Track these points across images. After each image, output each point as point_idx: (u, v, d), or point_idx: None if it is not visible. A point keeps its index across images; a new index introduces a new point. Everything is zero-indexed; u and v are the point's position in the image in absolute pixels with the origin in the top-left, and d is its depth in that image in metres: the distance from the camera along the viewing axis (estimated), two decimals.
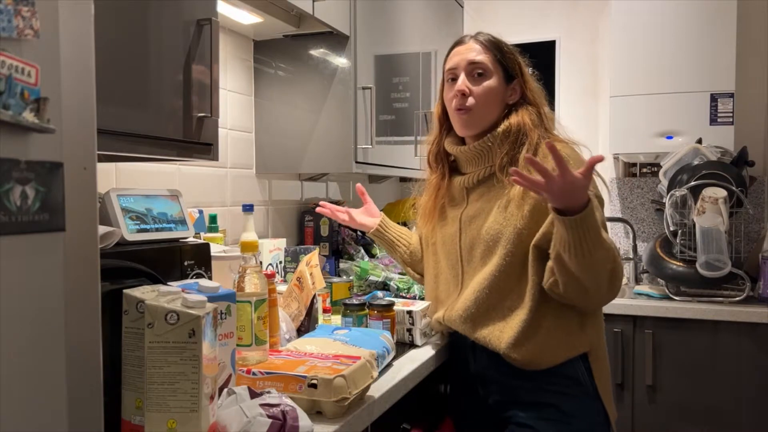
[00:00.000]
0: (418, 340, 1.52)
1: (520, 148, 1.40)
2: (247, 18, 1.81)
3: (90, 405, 0.66)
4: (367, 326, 1.48)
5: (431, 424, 1.50)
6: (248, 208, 1.25)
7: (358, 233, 2.38)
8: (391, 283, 1.99)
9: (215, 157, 1.28)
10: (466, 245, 1.46)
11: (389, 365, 1.35)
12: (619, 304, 2.30)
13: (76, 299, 0.64)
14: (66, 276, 0.62)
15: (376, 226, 1.70)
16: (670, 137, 2.54)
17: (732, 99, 2.46)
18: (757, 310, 2.16)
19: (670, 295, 2.33)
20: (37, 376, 0.59)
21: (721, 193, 2.22)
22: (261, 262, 1.88)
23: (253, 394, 0.94)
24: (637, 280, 2.72)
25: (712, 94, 2.48)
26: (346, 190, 2.72)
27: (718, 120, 2.48)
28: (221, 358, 0.96)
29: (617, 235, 2.88)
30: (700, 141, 2.45)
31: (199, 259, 1.22)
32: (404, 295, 1.95)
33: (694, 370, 2.24)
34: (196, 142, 1.22)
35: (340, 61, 1.98)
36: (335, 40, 1.97)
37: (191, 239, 1.24)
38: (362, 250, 2.27)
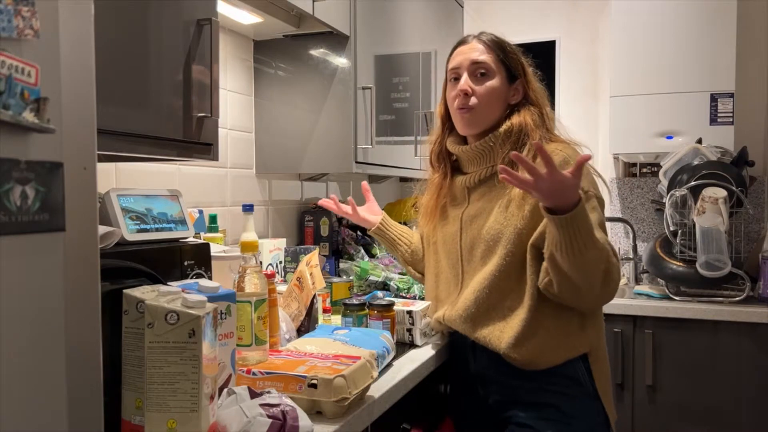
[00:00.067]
0: (418, 340, 1.52)
1: (522, 148, 1.40)
2: (247, 18, 1.81)
3: (90, 405, 0.66)
4: (367, 326, 1.48)
5: (431, 424, 1.50)
6: (248, 208, 1.25)
7: (358, 233, 2.38)
8: (391, 283, 1.99)
9: (215, 157, 1.28)
10: (467, 245, 1.46)
11: (389, 365, 1.35)
12: (619, 304, 2.30)
13: (76, 299, 0.64)
14: (66, 276, 0.62)
15: (378, 223, 1.71)
16: (670, 137, 2.54)
17: (732, 99, 2.46)
18: (757, 310, 2.16)
19: (670, 295, 2.33)
20: (37, 376, 0.59)
21: (721, 193, 2.22)
22: (261, 262, 1.88)
23: (253, 394, 0.94)
24: (637, 280, 2.72)
25: (712, 94, 2.48)
26: (346, 190, 2.72)
27: (718, 120, 2.48)
28: (221, 358, 0.96)
29: (617, 235, 2.88)
30: (700, 141, 2.45)
31: (199, 259, 1.22)
32: (404, 295, 1.95)
33: (694, 370, 2.24)
34: (196, 142, 1.22)
35: (340, 61, 1.98)
36: (335, 40, 1.97)
37: (191, 239, 1.24)
38: (362, 250, 2.27)
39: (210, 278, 1.24)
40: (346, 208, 1.70)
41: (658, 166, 2.58)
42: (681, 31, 2.51)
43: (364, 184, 1.75)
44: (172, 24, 1.15)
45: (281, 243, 2.03)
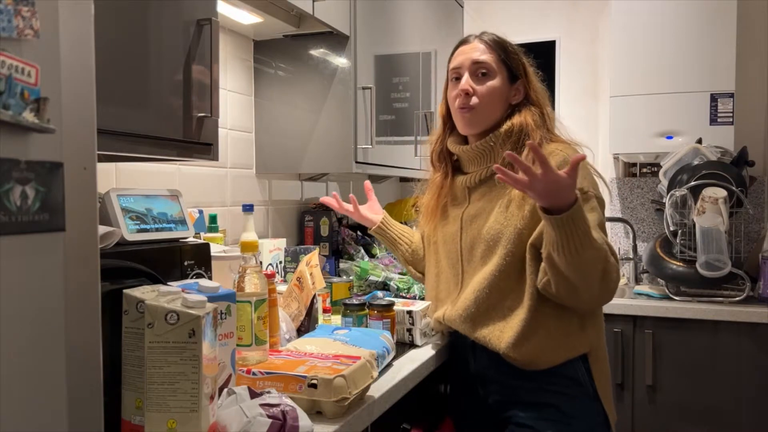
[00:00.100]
0: (418, 340, 1.52)
1: (523, 148, 1.40)
2: (247, 18, 1.81)
3: (90, 405, 0.66)
4: (367, 326, 1.48)
5: (431, 424, 1.50)
6: (248, 208, 1.25)
7: (358, 233, 2.38)
8: (391, 283, 1.99)
9: (215, 157, 1.28)
10: (467, 244, 1.46)
11: (389, 365, 1.35)
12: (619, 304, 2.30)
13: (76, 299, 0.64)
14: (66, 276, 0.62)
15: (379, 222, 1.72)
16: (670, 137, 2.54)
17: (732, 99, 2.46)
18: (757, 310, 2.16)
19: (670, 295, 2.33)
20: (37, 376, 0.59)
21: (721, 193, 2.22)
22: (261, 262, 1.88)
23: (253, 394, 0.94)
24: (637, 280, 2.72)
25: (712, 94, 2.48)
26: (346, 190, 2.72)
27: (718, 120, 2.48)
28: (221, 358, 0.96)
29: (617, 235, 2.88)
30: (700, 141, 2.45)
31: (199, 259, 1.22)
32: (404, 295, 1.95)
33: (694, 370, 2.24)
34: (196, 142, 1.22)
35: (340, 61, 1.98)
36: (335, 40, 1.97)
37: (191, 239, 1.24)
38: (362, 250, 2.27)
39: (210, 278, 1.24)
40: (348, 206, 1.70)
41: (658, 166, 2.58)
42: (681, 31, 2.51)
43: (367, 183, 1.75)
44: (172, 24, 1.15)
45: (281, 243, 2.03)
